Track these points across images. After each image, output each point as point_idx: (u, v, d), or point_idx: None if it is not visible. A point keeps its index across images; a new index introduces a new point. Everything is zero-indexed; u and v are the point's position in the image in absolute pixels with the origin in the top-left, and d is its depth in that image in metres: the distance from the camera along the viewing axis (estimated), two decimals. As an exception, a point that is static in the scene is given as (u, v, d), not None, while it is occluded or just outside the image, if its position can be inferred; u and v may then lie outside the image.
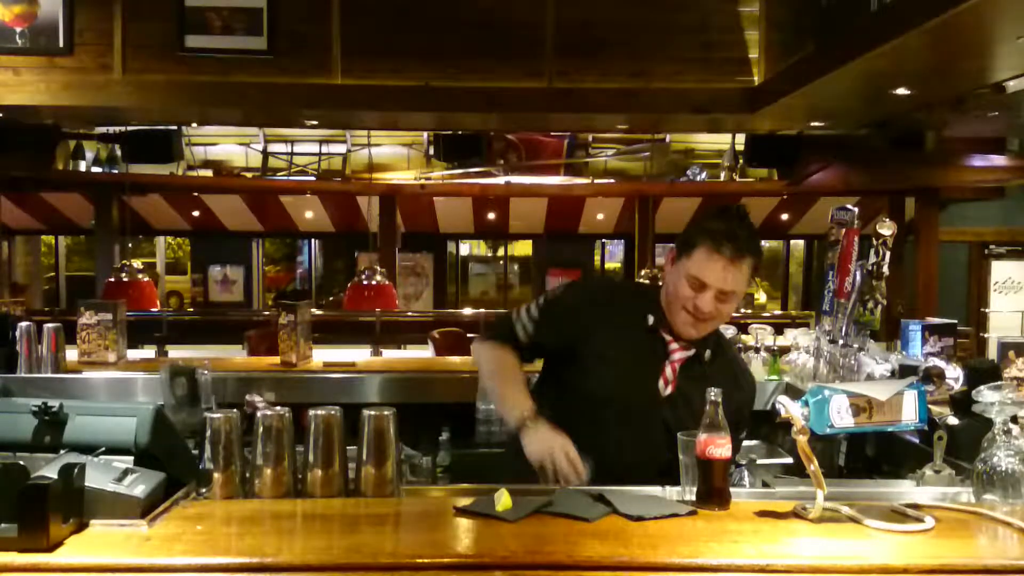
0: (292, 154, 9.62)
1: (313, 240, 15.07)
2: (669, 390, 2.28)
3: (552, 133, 8.90)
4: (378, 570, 1.59)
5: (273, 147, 9.53)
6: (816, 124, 5.97)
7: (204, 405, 2.68)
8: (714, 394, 1.94)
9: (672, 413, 2.24)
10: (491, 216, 11.21)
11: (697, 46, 5.06)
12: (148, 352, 4.79)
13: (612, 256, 14.69)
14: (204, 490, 1.95)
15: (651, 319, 2.29)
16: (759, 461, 2.74)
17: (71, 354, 3.94)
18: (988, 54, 3.72)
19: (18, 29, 4.93)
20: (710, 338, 2.31)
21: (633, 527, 1.79)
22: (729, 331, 3.77)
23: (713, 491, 1.90)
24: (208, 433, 1.96)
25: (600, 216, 11.12)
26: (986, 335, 8.83)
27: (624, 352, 2.27)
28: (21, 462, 1.67)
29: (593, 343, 2.28)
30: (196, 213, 11.25)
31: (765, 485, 2.49)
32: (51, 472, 1.65)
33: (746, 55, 5.05)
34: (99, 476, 1.74)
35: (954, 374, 2.64)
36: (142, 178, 8.49)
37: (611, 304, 2.38)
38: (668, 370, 2.28)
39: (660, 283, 2.41)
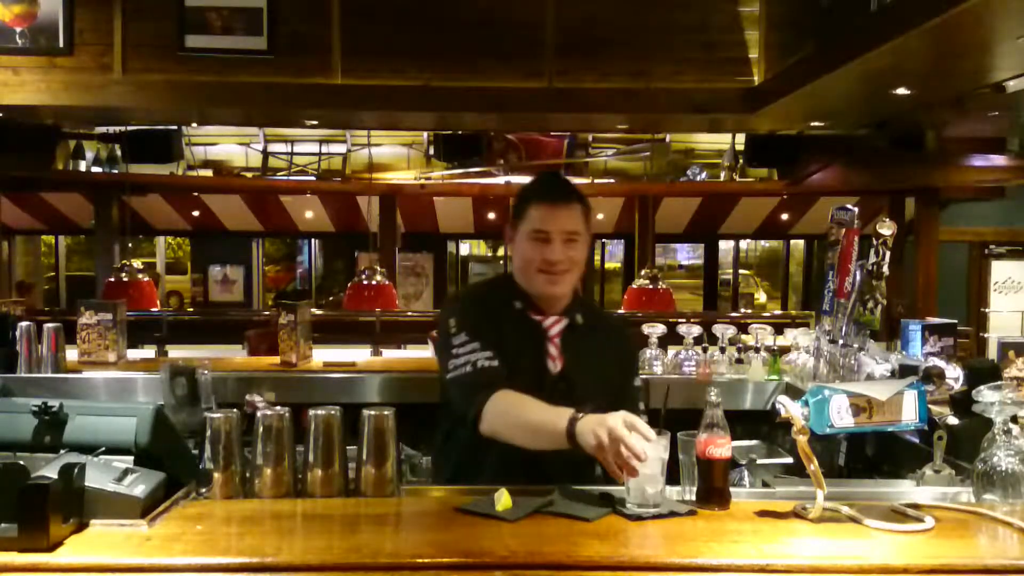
0: (292, 154, 9.61)
1: (313, 240, 15.08)
2: (558, 366, 2.31)
3: (552, 133, 8.89)
4: (378, 570, 1.59)
5: (273, 147, 9.52)
6: (816, 124, 5.97)
7: (204, 405, 2.68)
8: (714, 394, 1.94)
9: (567, 386, 2.27)
10: (491, 216, 11.21)
11: (697, 46, 5.05)
12: (148, 352, 4.78)
13: (612, 256, 14.69)
14: (204, 490, 1.95)
15: (518, 304, 2.34)
16: (759, 461, 2.75)
17: (71, 354, 3.94)
18: (988, 54, 3.71)
19: (18, 29, 4.93)
20: (575, 304, 2.36)
21: (633, 527, 1.79)
22: (729, 331, 3.78)
23: (713, 491, 1.90)
24: (208, 433, 1.96)
25: (600, 216, 11.11)
26: (986, 335, 8.83)
27: (510, 343, 2.27)
28: (21, 462, 1.67)
29: (498, 343, 2.27)
30: (196, 213, 11.25)
31: (765, 485, 2.49)
32: (51, 472, 1.65)
33: (746, 55, 5.04)
34: (99, 476, 1.74)
35: (954, 374, 2.64)
36: (142, 178, 8.48)
37: (485, 304, 2.40)
38: (551, 347, 2.31)
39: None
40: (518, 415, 2.13)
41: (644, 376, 3.86)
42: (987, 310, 9.25)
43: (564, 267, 2.27)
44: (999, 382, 2.05)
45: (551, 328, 2.33)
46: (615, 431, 1.84)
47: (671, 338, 3.98)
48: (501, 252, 16.14)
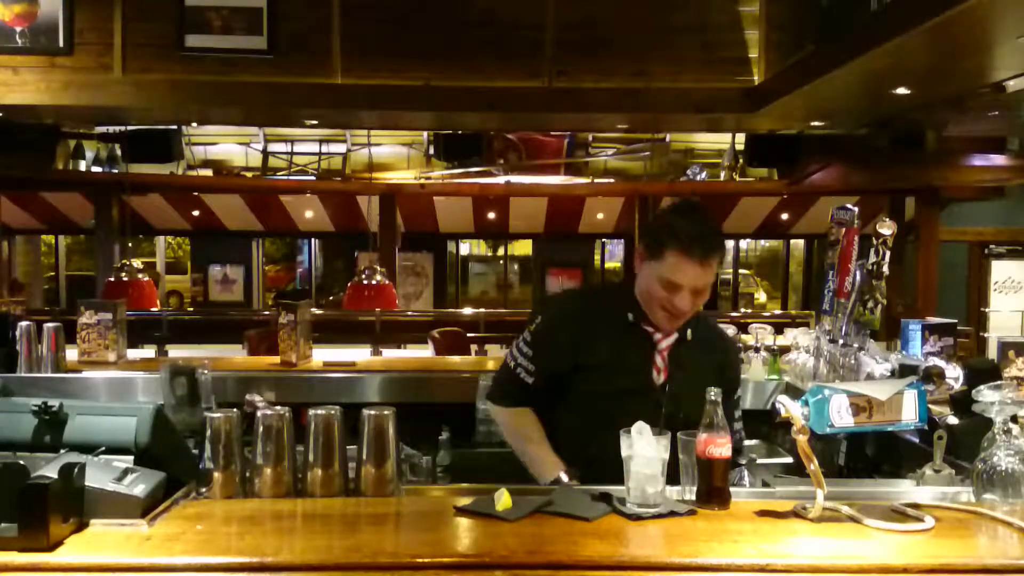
0: (292, 154, 9.62)
1: (313, 240, 15.08)
2: (662, 378, 2.37)
3: (552, 133, 8.89)
4: (378, 570, 1.59)
5: (273, 147, 9.53)
6: (816, 124, 5.97)
7: (204, 405, 2.68)
8: (714, 394, 1.94)
9: (670, 399, 2.33)
10: (491, 216, 11.21)
11: (697, 46, 5.06)
12: (148, 352, 4.79)
13: (612, 256, 14.69)
14: (204, 490, 1.95)
15: (631, 316, 2.38)
16: (759, 461, 2.75)
17: (71, 354, 3.94)
18: (988, 54, 3.71)
19: (18, 29, 4.93)
20: (690, 322, 2.40)
21: (633, 527, 1.79)
22: (729, 330, 3.78)
23: (713, 491, 1.90)
24: (208, 433, 1.96)
25: (600, 216, 11.12)
26: (986, 335, 8.82)
27: (616, 352, 2.36)
28: (21, 462, 1.67)
29: (587, 353, 2.36)
30: (196, 213, 11.25)
31: (765, 485, 2.49)
32: (51, 472, 1.65)
33: (746, 55, 5.05)
34: (99, 476, 1.74)
35: (954, 374, 2.64)
36: (142, 178, 8.49)
37: (589, 312, 2.46)
38: (658, 359, 2.37)
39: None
40: (516, 435, 2.39)
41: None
42: (987, 310, 9.24)
43: (688, 313, 2.32)
44: (999, 382, 2.05)
45: (661, 341, 2.37)
46: None
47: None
48: (501, 252, 16.14)
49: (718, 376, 2.27)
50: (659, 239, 2.29)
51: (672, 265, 2.25)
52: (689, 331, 2.39)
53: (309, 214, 11.33)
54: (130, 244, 10.48)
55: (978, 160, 7.23)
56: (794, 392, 3.18)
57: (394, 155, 9.44)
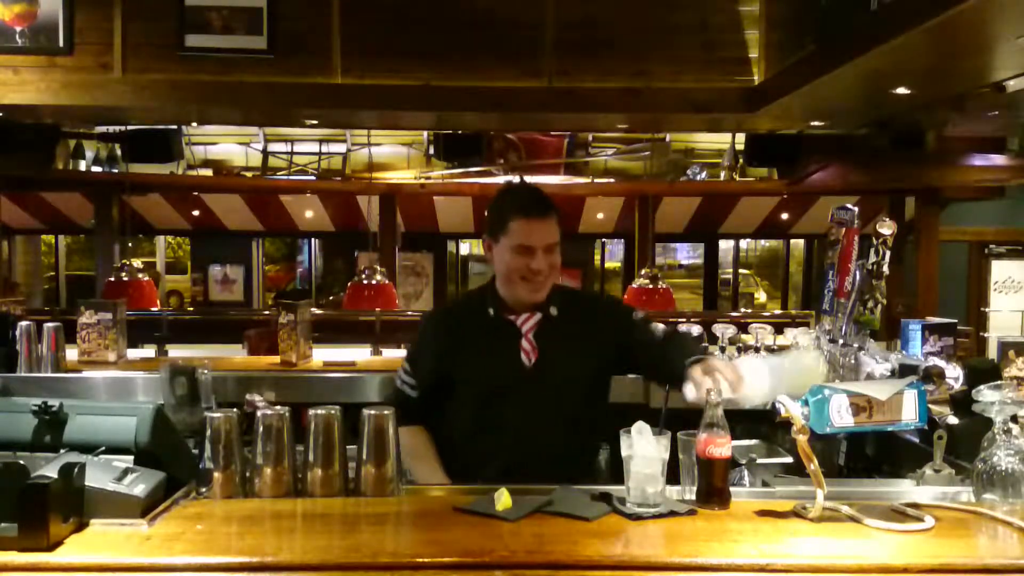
0: (292, 153, 9.61)
1: (313, 239, 15.06)
2: (533, 359, 2.45)
3: (552, 133, 8.89)
4: (378, 569, 1.59)
5: (273, 146, 9.52)
6: (816, 123, 5.96)
7: (204, 404, 2.68)
8: (714, 394, 1.94)
9: (544, 377, 2.43)
10: (491, 215, 11.18)
11: (697, 46, 5.05)
12: (148, 351, 4.78)
13: (612, 255, 14.68)
14: (204, 489, 1.95)
15: (491, 311, 2.49)
16: (759, 460, 2.74)
17: (71, 353, 3.95)
18: (988, 53, 3.71)
19: (18, 28, 4.93)
20: (549, 298, 2.48)
21: (633, 526, 1.79)
22: (729, 330, 3.78)
23: (713, 490, 1.90)
24: (208, 432, 1.96)
25: (600, 215, 11.11)
26: (986, 335, 8.81)
27: (482, 350, 2.48)
28: (21, 461, 1.67)
29: (455, 360, 2.50)
30: (196, 212, 11.24)
31: (765, 484, 2.49)
32: (51, 471, 1.65)
33: (746, 54, 5.04)
34: (99, 475, 1.74)
35: (954, 373, 2.64)
36: (142, 177, 8.47)
37: (452, 320, 2.63)
38: (524, 343, 2.45)
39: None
40: (407, 454, 2.37)
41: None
42: (987, 310, 9.23)
43: (546, 275, 2.42)
44: (999, 382, 2.05)
45: (523, 325, 2.47)
46: None
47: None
48: (501, 252, 16.10)
49: (603, 341, 2.44)
50: (499, 216, 2.46)
51: (517, 230, 2.40)
52: (553, 308, 2.48)
53: (309, 214, 11.32)
54: (130, 244, 10.47)
55: (978, 160, 7.22)
56: (794, 392, 3.17)
57: (394, 155, 9.43)
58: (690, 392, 2.11)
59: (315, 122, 6.53)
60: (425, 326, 2.67)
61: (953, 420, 2.44)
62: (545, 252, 2.40)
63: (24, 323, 3.80)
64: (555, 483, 2.04)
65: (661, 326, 2.54)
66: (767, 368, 2.12)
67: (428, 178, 9.07)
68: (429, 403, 2.54)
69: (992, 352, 3.59)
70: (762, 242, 16.84)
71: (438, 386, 2.53)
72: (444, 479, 2.42)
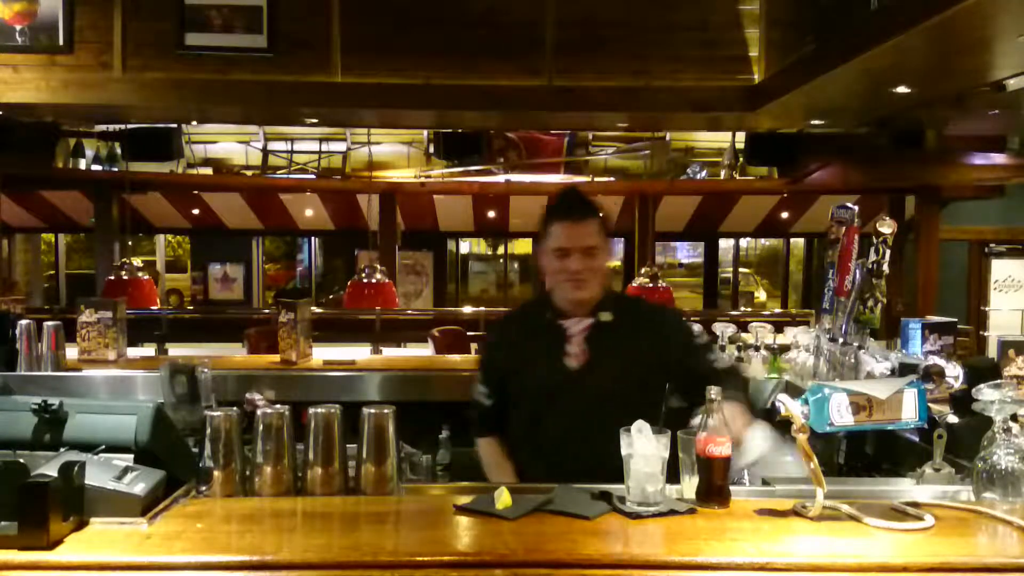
0: (292, 152, 9.60)
1: (313, 238, 15.07)
2: (578, 364, 2.49)
3: (552, 131, 8.88)
4: (378, 568, 1.59)
5: (273, 145, 9.51)
6: (816, 122, 5.96)
7: (204, 403, 2.68)
8: (714, 393, 1.94)
9: (588, 381, 2.47)
10: (491, 214, 11.19)
11: (697, 44, 5.05)
12: (148, 350, 4.78)
13: (612, 254, 14.68)
14: (204, 488, 1.95)
15: (548, 315, 2.56)
16: (759, 459, 2.74)
17: (71, 352, 3.94)
18: (988, 52, 3.71)
19: (18, 27, 4.93)
20: (607, 303, 2.54)
21: (633, 525, 1.79)
22: (729, 329, 3.78)
23: (713, 489, 1.90)
24: (208, 431, 1.96)
25: (599, 214, 11.10)
26: (986, 333, 8.82)
27: (531, 352, 2.57)
28: (21, 460, 1.67)
29: (514, 362, 2.60)
30: (196, 211, 11.24)
31: (765, 483, 2.49)
32: (51, 470, 1.65)
33: (746, 53, 5.04)
34: (99, 474, 1.74)
35: (954, 372, 2.64)
36: (142, 176, 8.47)
37: (513, 324, 2.77)
38: (571, 346, 2.50)
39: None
40: (487, 467, 2.60)
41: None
42: (987, 308, 9.23)
43: (585, 273, 2.47)
44: (999, 380, 2.05)
45: (572, 328, 2.52)
46: None
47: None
48: (501, 251, 16.13)
49: (657, 355, 2.46)
50: (542, 221, 2.55)
51: (554, 234, 2.49)
52: (605, 315, 2.52)
53: (309, 212, 11.32)
54: (130, 242, 10.48)
55: (978, 159, 7.23)
56: (794, 391, 3.18)
57: (394, 154, 9.42)
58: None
59: (315, 121, 6.53)
60: (490, 332, 2.87)
61: (953, 419, 2.44)
62: (583, 255, 2.46)
63: (24, 321, 3.80)
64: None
65: (725, 356, 2.56)
66: (763, 444, 2.24)
67: (428, 177, 9.07)
68: (502, 409, 2.61)
69: (992, 351, 3.59)
70: (762, 241, 16.85)
71: (504, 390, 2.60)
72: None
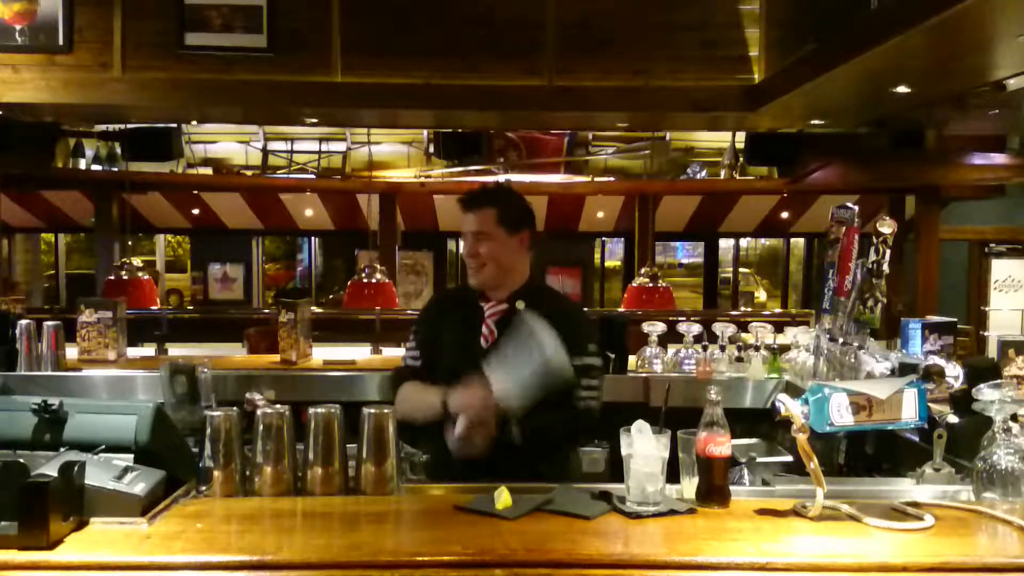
0: (292, 152, 9.59)
1: (313, 238, 15.06)
2: (486, 343, 2.63)
3: (552, 131, 8.88)
4: (378, 568, 1.59)
5: (273, 145, 9.51)
6: (816, 122, 5.96)
7: (204, 403, 2.68)
8: (714, 393, 1.94)
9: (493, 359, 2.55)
10: (491, 214, 11.17)
11: (697, 44, 5.05)
12: (148, 350, 4.78)
13: (612, 254, 14.68)
14: (204, 488, 1.95)
15: (472, 297, 2.72)
16: (759, 459, 2.75)
17: (71, 352, 3.94)
18: (988, 52, 3.71)
19: (18, 27, 4.92)
20: (521, 292, 2.69)
21: (633, 525, 1.79)
22: (729, 329, 3.79)
23: (713, 489, 1.90)
24: (208, 431, 1.96)
25: (600, 214, 11.10)
26: (986, 333, 8.81)
27: (453, 327, 2.72)
28: (21, 460, 1.67)
29: (437, 331, 2.76)
30: (196, 211, 11.23)
31: (765, 483, 2.49)
32: (51, 470, 1.65)
33: (746, 53, 5.04)
34: (99, 474, 1.74)
35: (954, 372, 2.64)
36: (142, 176, 8.46)
37: (450, 300, 2.94)
38: (484, 328, 2.66)
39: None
40: (406, 395, 2.68)
41: (644, 374, 3.87)
42: (987, 308, 9.22)
43: (480, 260, 2.66)
44: (999, 380, 2.05)
45: (488, 310, 2.69)
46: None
47: (671, 336, 3.99)
48: (501, 250, 16.09)
49: (560, 342, 2.48)
50: None
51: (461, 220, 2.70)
52: (520, 303, 2.65)
53: (309, 212, 11.31)
54: (130, 242, 10.46)
55: (978, 159, 7.22)
56: (794, 391, 3.18)
57: (394, 153, 9.42)
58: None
59: (315, 121, 6.53)
60: (429, 301, 3.04)
61: (953, 419, 2.44)
62: (473, 239, 2.66)
63: (24, 322, 3.80)
64: (503, 473, 2.11)
65: (593, 400, 2.58)
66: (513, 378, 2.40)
67: (428, 177, 9.07)
68: (425, 374, 2.73)
69: (992, 351, 3.59)
70: (762, 241, 16.83)
71: (427, 356, 2.75)
72: (436, 390, 2.55)
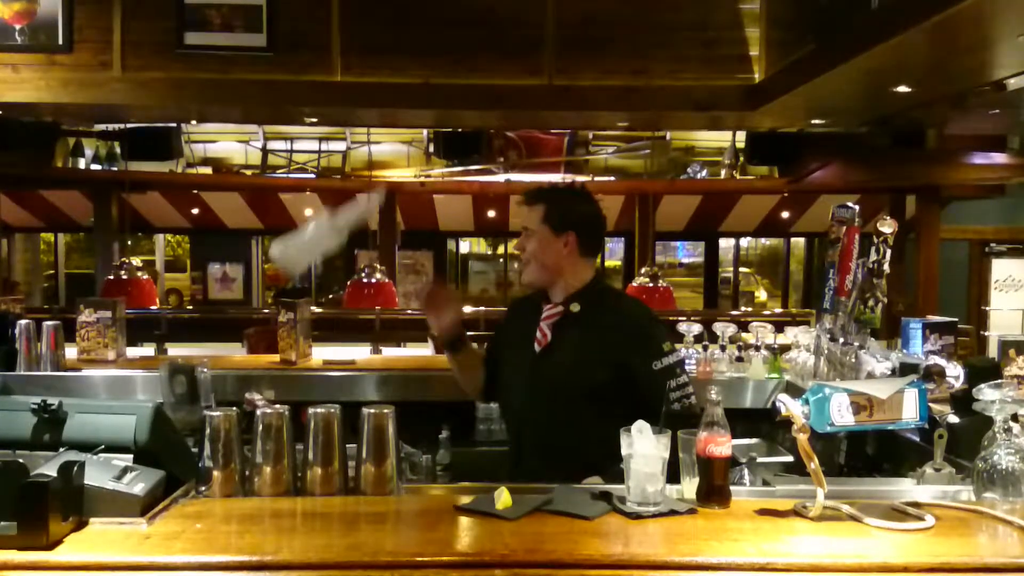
0: (292, 151, 9.59)
1: (313, 238, 15.04)
2: (540, 347, 2.60)
3: (552, 131, 8.88)
4: (378, 568, 1.59)
5: (272, 144, 9.50)
6: (817, 122, 5.96)
7: (203, 403, 2.68)
8: (714, 393, 1.94)
9: (543, 365, 2.57)
10: (491, 214, 11.19)
11: (698, 43, 5.05)
12: (147, 350, 4.77)
13: (612, 254, 14.67)
14: (203, 488, 1.95)
15: (538, 298, 2.68)
16: (759, 459, 2.74)
17: (70, 352, 3.94)
18: (988, 52, 3.71)
19: (17, 26, 4.92)
20: (582, 294, 2.61)
21: (633, 525, 1.79)
22: (729, 329, 3.78)
23: (713, 489, 1.90)
24: (207, 431, 1.96)
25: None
26: (987, 333, 8.81)
27: (516, 330, 2.72)
28: (20, 460, 1.66)
29: (506, 336, 2.82)
30: (195, 210, 11.24)
31: (765, 483, 2.49)
32: (50, 470, 1.65)
33: (747, 52, 5.04)
34: (98, 474, 1.74)
35: (954, 372, 2.64)
36: (141, 175, 8.46)
37: (519, 303, 2.88)
38: (538, 331, 2.61)
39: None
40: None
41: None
42: (988, 308, 9.22)
43: (524, 257, 2.63)
44: (999, 380, 2.05)
45: (544, 312, 2.63)
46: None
47: (671, 336, 3.97)
48: (501, 250, 16.13)
49: (605, 352, 2.50)
50: None
51: None
52: (575, 305, 2.59)
53: (309, 212, 11.30)
54: (129, 242, 10.46)
55: (979, 158, 7.21)
56: (794, 391, 3.18)
57: (394, 153, 9.42)
58: None
59: (315, 120, 6.53)
60: (510, 304, 3.07)
61: (954, 419, 2.44)
62: (522, 235, 2.63)
63: (23, 321, 3.79)
64: (547, 475, 2.12)
65: (687, 398, 2.45)
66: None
67: (428, 176, 9.06)
68: (491, 378, 2.83)
69: (992, 351, 3.59)
70: (763, 240, 16.85)
71: (495, 358, 2.82)
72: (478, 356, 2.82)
